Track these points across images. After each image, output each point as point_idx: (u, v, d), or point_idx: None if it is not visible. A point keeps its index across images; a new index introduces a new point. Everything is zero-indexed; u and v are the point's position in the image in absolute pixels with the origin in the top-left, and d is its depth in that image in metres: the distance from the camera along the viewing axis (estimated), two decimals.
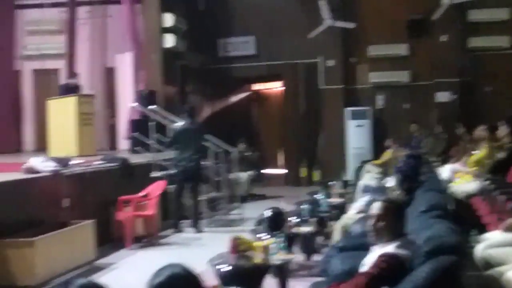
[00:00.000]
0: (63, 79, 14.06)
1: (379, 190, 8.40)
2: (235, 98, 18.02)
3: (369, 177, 11.23)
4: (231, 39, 16.93)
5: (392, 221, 4.03)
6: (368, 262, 3.96)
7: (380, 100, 16.16)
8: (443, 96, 15.38)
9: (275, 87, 18.23)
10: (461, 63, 15.39)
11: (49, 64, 15.45)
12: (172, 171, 10.72)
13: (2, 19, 14.29)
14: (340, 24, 15.58)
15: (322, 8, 15.32)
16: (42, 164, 8.17)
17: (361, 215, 6.98)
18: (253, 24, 16.72)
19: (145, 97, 13.30)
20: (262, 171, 15.28)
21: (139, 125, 12.58)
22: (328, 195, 9.49)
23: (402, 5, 15.64)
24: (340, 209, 9.32)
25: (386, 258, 3.79)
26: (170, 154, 11.12)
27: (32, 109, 15.62)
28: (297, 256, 7.02)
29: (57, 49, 15.02)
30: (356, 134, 15.72)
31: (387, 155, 13.16)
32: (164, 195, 10.19)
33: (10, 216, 7.15)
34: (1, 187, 7.23)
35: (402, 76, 15.85)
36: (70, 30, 14.63)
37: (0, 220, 6.95)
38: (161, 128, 11.27)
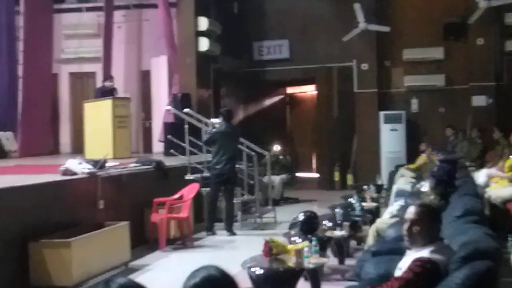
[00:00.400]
0: (99, 82, 14.23)
1: (414, 194, 8.37)
2: (269, 102, 18.05)
3: (403, 182, 11.21)
4: (265, 42, 16.96)
5: (426, 226, 4.00)
6: (403, 266, 3.94)
7: (414, 104, 16.04)
8: (479, 100, 15.20)
9: (309, 90, 18.21)
10: (497, 66, 15.21)
11: (86, 68, 15.65)
12: (206, 174, 10.78)
13: (41, 23, 14.53)
14: (375, 27, 15.50)
15: (357, 11, 15.26)
16: (79, 166, 8.28)
17: (395, 219, 6.95)
18: (287, 28, 16.73)
19: (180, 100, 13.39)
20: (295, 174, 15.25)
21: (174, 128, 12.68)
22: (362, 199, 9.47)
23: (438, 8, 15.51)
24: (374, 213, 9.31)
25: (421, 263, 3.77)
26: (204, 157, 11.19)
27: (68, 112, 15.84)
28: (330, 260, 7.01)
29: (93, 53, 15.21)
30: (390, 138, 15.62)
31: (421, 159, 13.05)
32: (197, 198, 10.26)
33: (47, 217, 7.27)
34: (39, 188, 7.36)
35: (437, 80, 15.70)
36: (107, 34, 14.81)
37: (37, 221, 7.07)
38: (195, 131, 11.33)
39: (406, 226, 4.06)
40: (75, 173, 8.15)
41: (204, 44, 14.39)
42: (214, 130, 10.33)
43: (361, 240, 8.27)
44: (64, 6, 15.98)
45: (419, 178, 10.98)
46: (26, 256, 6.70)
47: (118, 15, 15.34)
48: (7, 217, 6.64)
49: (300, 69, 16.80)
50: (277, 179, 13.73)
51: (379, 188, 11.34)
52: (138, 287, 2.32)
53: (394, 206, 8.18)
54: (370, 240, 7.02)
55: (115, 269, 7.57)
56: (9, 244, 6.58)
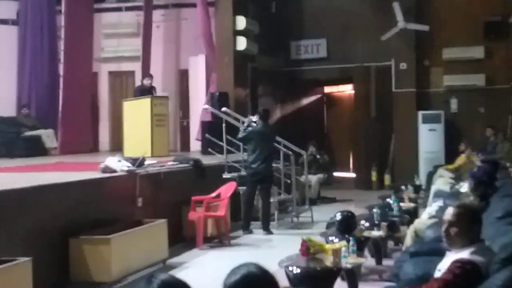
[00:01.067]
0: (138, 81, 14.37)
1: (452, 195, 8.28)
2: (306, 101, 18.03)
3: (442, 182, 11.08)
4: (303, 41, 16.94)
5: (465, 227, 3.96)
6: (442, 267, 3.91)
7: (454, 104, 15.85)
8: None
9: (346, 90, 18.13)
10: None
11: (125, 66, 15.82)
12: (243, 173, 10.81)
13: (82, 22, 14.73)
14: (414, 26, 15.36)
15: (396, 10, 15.14)
16: (118, 164, 8.38)
17: (434, 220, 6.89)
18: (325, 27, 16.68)
19: (217, 99, 13.45)
20: (332, 174, 15.20)
21: (211, 127, 12.75)
22: (400, 200, 9.40)
23: (479, 7, 15.31)
24: (412, 214, 9.23)
25: (461, 264, 3.74)
26: (241, 155, 11.23)
27: (108, 110, 16.03)
28: (368, 260, 6.98)
29: (132, 52, 15.37)
30: (429, 138, 15.47)
31: (461, 160, 12.90)
32: (234, 196, 10.29)
33: (87, 214, 7.38)
34: (79, 185, 7.47)
35: (477, 80, 15.49)
36: (146, 33, 14.95)
37: (78, 217, 7.18)
38: (232, 130, 11.37)
39: (444, 227, 4.02)
40: (114, 171, 8.25)
41: (242, 43, 14.43)
42: (250, 128, 10.35)
43: (398, 241, 8.22)
44: (104, 5, 16.17)
45: (458, 178, 10.87)
46: (67, 252, 6.81)
47: (157, 15, 15.47)
48: (48, 213, 6.75)
49: (337, 68, 16.74)
50: (314, 178, 13.71)
51: (417, 189, 11.25)
52: (179, 283, 2.34)
53: (432, 206, 8.10)
54: (408, 241, 6.97)
55: (153, 266, 7.65)
56: (50, 240, 6.69)
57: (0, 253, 5.77)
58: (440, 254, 4.23)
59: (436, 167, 13.46)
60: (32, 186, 6.68)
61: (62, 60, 14.13)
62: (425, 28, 15.33)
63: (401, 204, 9.30)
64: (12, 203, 6.30)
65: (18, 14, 15.14)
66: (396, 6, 15.15)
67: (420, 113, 15.60)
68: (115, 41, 15.87)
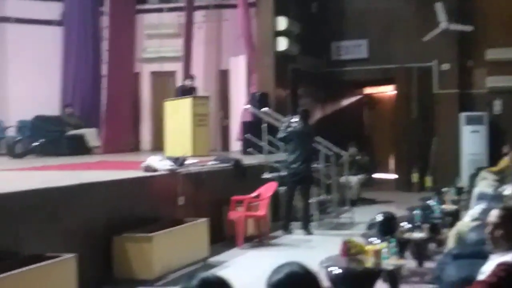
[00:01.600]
0: (179, 81, 14.48)
1: (496, 198, 8.16)
2: (346, 102, 17.96)
3: (484, 184, 10.91)
4: (344, 42, 16.87)
5: (510, 229, 3.90)
6: (486, 270, 3.87)
7: (497, 105, 15.61)
8: None
9: (388, 91, 18.00)
10: None
11: (167, 67, 15.96)
12: (283, 173, 10.82)
13: (125, 23, 14.92)
14: (456, 27, 15.17)
15: (438, 10, 14.97)
16: (160, 163, 8.48)
17: (477, 222, 6.80)
18: (366, 27, 16.58)
19: (258, 100, 13.48)
20: (373, 175, 15.11)
21: (252, 127, 12.78)
22: (441, 202, 9.31)
23: None
24: (454, 216, 9.13)
25: (505, 267, 3.69)
26: (281, 156, 11.24)
27: (149, 110, 16.19)
28: (409, 262, 6.93)
29: (174, 52, 15.49)
30: (471, 140, 15.27)
31: (504, 162, 12.71)
32: (275, 197, 10.31)
33: (129, 212, 7.49)
34: (122, 184, 7.58)
35: None
36: (187, 33, 15.06)
37: (121, 216, 7.29)
38: (273, 130, 11.39)
39: (488, 229, 3.97)
40: (156, 170, 8.35)
41: (282, 43, 14.44)
42: (290, 128, 10.35)
43: (440, 243, 8.13)
44: (146, 6, 16.34)
45: (501, 181, 10.71)
46: (110, 250, 6.91)
47: (198, 15, 15.57)
48: (92, 211, 6.87)
49: (378, 69, 16.63)
50: (354, 179, 13.65)
51: (459, 191, 11.11)
52: (220, 281, 2.35)
53: (475, 209, 7.98)
54: (450, 243, 6.89)
55: (194, 265, 7.70)
56: (94, 237, 6.81)
57: (46, 249, 5.89)
58: (483, 256, 4.18)
59: (478, 169, 13.28)
60: (76, 184, 6.80)
61: (105, 60, 14.33)
62: (468, 28, 15.14)
63: (443, 206, 9.21)
64: (57, 200, 6.42)
65: (62, 15, 15.40)
66: (439, 7, 14.98)
67: (463, 115, 15.41)
68: (157, 41, 16.02)
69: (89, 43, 15.19)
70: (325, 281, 5.41)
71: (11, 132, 13.99)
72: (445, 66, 15.74)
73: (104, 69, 14.36)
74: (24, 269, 5.24)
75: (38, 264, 5.43)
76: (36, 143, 12.91)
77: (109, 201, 7.19)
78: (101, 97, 14.23)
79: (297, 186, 10.38)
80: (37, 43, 14.94)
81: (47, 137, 13.24)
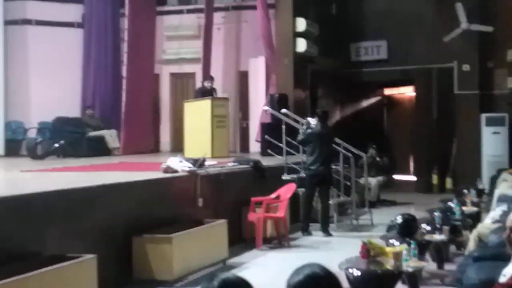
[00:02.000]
0: (198, 83, 14.53)
1: None
2: (366, 103, 17.91)
3: (506, 186, 10.81)
4: (363, 43, 16.82)
5: None
6: (507, 273, 3.84)
7: None
8: None
9: (407, 92, 17.92)
10: None
11: (186, 68, 16.02)
12: (302, 174, 10.81)
13: (145, 25, 15.00)
14: (477, 27, 15.06)
15: (459, 11, 14.88)
16: (179, 164, 8.51)
17: (498, 224, 6.76)
18: (385, 28, 16.52)
19: (277, 101, 13.48)
20: (392, 176, 15.04)
21: (271, 128, 12.79)
22: (462, 203, 9.25)
23: None
24: (474, 218, 9.07)
25: None
26: (300, 157, 11.23)
27: (169, 111, 16.25)
28: (429, 264, 6.89)
29: (193, 54, 15.54)
30: (492, 141, 15.15)
31: None
32: (294, 198, 10.30)
33: (149, 213, 7.52)
34: (142, 185, 7.62)
35: None
36: (206, 35, 15.10)
37: (140, 216, 7.32)
38: (292, 132, 11.38)
39: (506, 233, 3.95)
40: (175, 171, 8.38)
41: (301, 45, 14.43)
42: (309, 130, 10.34)
43: (461, 245, 8.09)
44: (166, 8, 16.42)
45: None
46: (130, 250, 6.95)
47: (217, 17, 15.61)
48: (112, 212, 6.91)
49: (398, 70, 16.57)
50: (373, 181, 13.61)
51: (480, 193, 11.03)
52: (241, 281, 2.35)
53: (496, 211, 7.94)
54: (471, 245, 6.85)
55: (213, 266, 7.72)
56: (114, 238, 6.85)
57: (67, 250, 5.94)
58: (504, 259, 4.16)
59: (499, 171, 13.15)
60: (97, 185, 6.85)
61: (125, 62, 14.41)
62: (489, 29, 15.03)
63: (464, 208, 9.15)
64: (78, 201, 6.47)
65: (83, 17, 15.52)
66: (459, 7, 14.89)
67: (484, 116, 15.29)
68: (176, 43, 16.09)
69: (109, 45, 15.29)
70: (344, 283, 5.40)
71: (32, 134, 14.12)
72: (466, 67, 15.62)
73: (124, 71, 14.44)
74: (45, 269, 5.28)
75: (59, 265, 5.47)
76: (57, 145, 13.02)
77: (129, 202, 7.23)
78: (121, 98, 14.29)
79: (316, 187, 10.37)
80: (58, 45, 15.07)
81: (68, 138, 13.35)
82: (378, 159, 14.31)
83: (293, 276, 2.42)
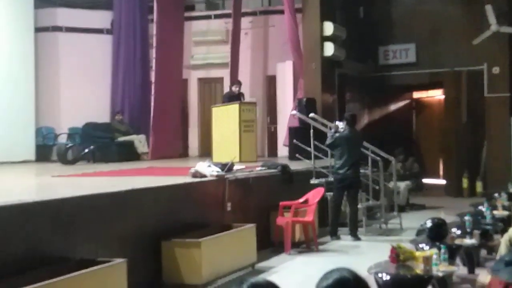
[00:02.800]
0: (226, 87, 14.58)
1: None
2: (394, 107, 17.81)
3: None
4: (391, 46, 16.74)
5: None
6: None
7: None
8: None
9: (436, 95, 17.78)
10: None
11: (214, 73, 16.10)
12: (330, 179, 10.78)
13: (173, 30, 15.11)
14: (507, 29, 14.90)
15: (488, 13, 14.74)
16: (208, 169, 8.53)
17: None
18: (414, 31, 16.42)
19: (305, 105, 13.47)
20: (422, 180, 14.92)
21: (298, 132, 12.78)
22: (493, 207, 9.15)
23: None
24: (506, 222, 8.96)
25: None
26: (329, 161, 11.20)
27: (197, 116, 16.33)
28: (460, 269, 6.82)
29: (221, 59, 15.62)
30: None
31: None
32: (322, 202, 10.28)
33: (178, 217, 7.56)
34: (171, 189, 7.66)
35: None
36: (234, 40, 15.17)
37: (170, 221, 7.36)
38: (320, 136, 11.36)
39: None
40: (204, 176, 8.41)
41: (329, 49, 14.39)
42: (337, 134, 10.32)
43: (492, 250, 7.99)
44: (194, 13, 16.53)
45: None
46: (159, 255, 6.99)
47: (245, 22, 15.67)
48: (142, 216, 6.96)
49: (427, 73, 16.46)
50: (402, 185, 13.51)
51: (511, 196, 10.89)
52: (270, 285, 2.35)
53: None
54: (502, 250, 6.76)
55: (242, 270, 7.74)
56: (144, 242, 6.89)
57: (97, 254, 6.00)
58: None
59: None
60: (126, 190, 6.89)
61: (153, 67, 14.53)
62: None
63: (494, 212, 9.06)
64: (108, 206, 6.53)
65: (112, 23, 15.68)
66: (489, 9, 14.74)
67: None
68: (204, 48, 16.17)
69: (138, 50, 15.43)
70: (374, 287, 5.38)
71: (62, 139, 14.29)
72: (496, 70, 15.45)
73: (153, 76, 14.55)
74: (76, 273, 5.32)
75: (90, 269, 5.51)
76: (87, 150, 13.15)
77: (158, 206, 7.28)
78: (150, 103, 14.39)
79: (345, 191, 10.33)
80: (88, 51, 15.25)
81: (97, 143, 13.49)
82: (407, 162, 14.20)
83: (321, 280, 2.40)
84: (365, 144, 11.10)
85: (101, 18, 15.64)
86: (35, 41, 14.72)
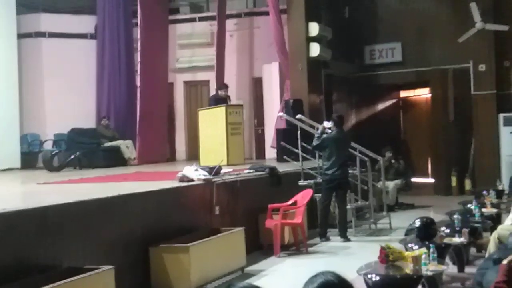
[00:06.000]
0: (212, 90, 14.52)
1: None
2: (381, 106, 17.82)
3: None
4: (377, 46, 16.74)
5: None
6: None
7: None
8: None
9: (423, 94, 17.81)
10: None
11: (200, 76, 16.04)
12: (319, 180, 10.75)
13: (157, 34, 15.03)
14: (492, 26, 14.94)
15: (473, 11, 14.77)
16: (195, 173, 8.48)
17: None
18: (399, 30, 16.43)
19: (291, 106, 13.44)
20: (410, 179, 14.93)
21: (286, 134, 12.75)
22: (481, 205, 9.16)
23: None
24: (495, 220, 8.97)
25: None
26: (317, 162, 11.18)
27: (184, 120, 16.26)
28: (449, 268, 6.80)
29: (207, 61, 15.56)
30: (511, 141, 15.00)
31: None
32: (311, 204, 10.25)
33: (166, 222, 7.50)
34: (158, 194, 7.60)
35: None
36: (219, 42, 15.12)
37: (157, 226, 7.30)
38: (307, 137, 11.33)
39: None
40: (191, 180, 8.35)
41: (315, 49, 14.36)
42: (324, 135, 10.29)
43: (481, 248, 7.99)
44: (178, 16, 16.47)
45: None
46: (147, 261, 6.93)
47: (230, 24, 15.63)
48: (129, 222, 6.90)
49: (413, 72, 16.47)
50: (391, 184, 13.50)
51: (499, 194, 10.91)
52: None
53: None
54: (491, 247, 6.77)
55: (231, 274, 7.68)
56: (131, 248, 6.83)
57: (84, 261, 5.93)
58: None
59: None
60: (113, 196, 6.83)
61: (139, 71, 14.44)
62: (504, 28, 14.90)
63: (483, 209, 9.07)
64: (95, 212, 6.46)
65: (96, 28, 15.58)
66: (474, 7, 14.78)
67: (501, 116, 15.15)
68: (189, 51, 16.11)
69: (122, 55, 15.33)
70: None
71: (48, 146, 14.18)
72: (482, 67, 15.49)
73: (138, 80, 14.46)
74: (63, 282, 5.26)
75: (76, 277, 5.45)
76: (73, 156, 13.05)
77: (146, 212, 7.21)
78: (136, 108, 14.31)
79: (334, 192, 10.29)
80: (72, 56, 15.14)
81: (83, 149, 13.39)
82: (395, 162, 14.20)
83: (306, 285, 2.40)
84: (353, 144, 11.08)
85: (85, 23, 15.53)
86: (18, 47, 14.58)
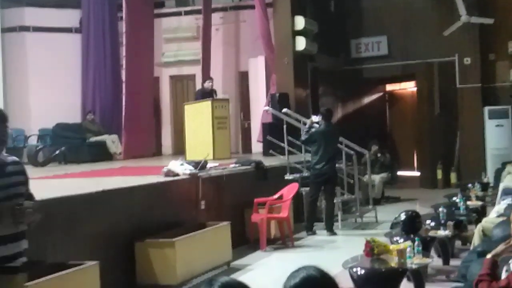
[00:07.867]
0: (198, 84, 14.48)
1: None
2: (367, 100, 17.85)
3: (510, 179, 10.77)
4: (363, 39, 16.75)
5: None
6: (511, 268, 3.79)
7: None
8: None
9: (409, 87, 17.86)
10: None
11: (186, 70, 15.97)
12: (305, 174, 10.75)
13: (143, 28, 14.94)
14: (477, 20, 14.98)
15: (458, 4, 14.80)
16: (181, 167, 8.46)
17: (502, 218, 6.70)
18: (385, 24, 16.44)
19: (278, 100, 13.43)
20: (396, 173, 14.98)
21: (272, 128, 12.75)
22: (466, 198, 9.20)
23: None
24: (480, 213, 9.03)
25: None
26: (303, 156, 11.18)
27: (169, 114, 16.20)
28: (434, 260, 6.83)
29: (193, 55, 15.49)
30: (496, 134, 15.08)
31: None
32: (297, 198, 10.25)
33: (151, 217, 7.48)
34: (144, 189, 7.58)
35: None
36: (205, 36, 15.05)
37: (143, 221, 7.28)
38: (293, 131, 11.33)
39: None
40: (177, 174, 8.33)
41: (301, 43, 14.35)
42: (313, 129, 10.29)
43: (466, 240, 8.04)
44: (164, 10, 16.38)
45: None
46: (133, 256, 6.91)
47: (216, 17, 15.56)
48: (114, 217, 6.88)
49: (399, 66, 16.50)
50: (377, 178, 13.54)
51: (484, 186, 10.97)
52: (240, 285, 2.33)
53: (501, 205, 7.89)
54: (476, 240, 6.80)
55: (217, 269, 7.69)
56: (116, 244, 6.81)
57: (69, 257, 5.90)
58: None
59: (504, 164, 13.08)
60: (98, 191, 6.80)
61: (124, 66, 14.37)
62: (489, 21, 14.95)
63: (468, 202, 9.11)
64: (80, 208, 6.44)
65: (81, 22, 15.47)
66: (459, 0, 14.81)
67: (487, 109, 15.22)
68: (175, 45, 16.04)
69: (107, 49, 15.24)
70: (347, 282, 5.36)
71: (32, 141, 14.07)
72: (467, 60, 15.54)
73: (124, 75, 14.39)
74: (47, 277, 5.23)
75: (61, 272, 5.42)
76: (58, 151, 12.98)
77: (131, 207, 7.19)
78: (122, 102, 14.23)
79: (321, 186, 10.30)
80: (56, 51, 15.00)
81: (69, 144, 13.31)
82: (381, 155, 14.23)
83: (289, 279, 2.40)
84: (340, 138, 11.08)
85: (69, 16, 15.40)
86: (2, 41, 14.44)
